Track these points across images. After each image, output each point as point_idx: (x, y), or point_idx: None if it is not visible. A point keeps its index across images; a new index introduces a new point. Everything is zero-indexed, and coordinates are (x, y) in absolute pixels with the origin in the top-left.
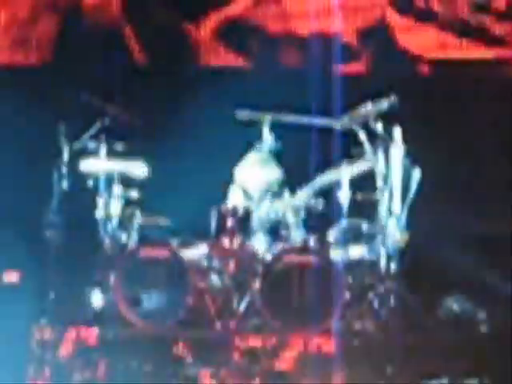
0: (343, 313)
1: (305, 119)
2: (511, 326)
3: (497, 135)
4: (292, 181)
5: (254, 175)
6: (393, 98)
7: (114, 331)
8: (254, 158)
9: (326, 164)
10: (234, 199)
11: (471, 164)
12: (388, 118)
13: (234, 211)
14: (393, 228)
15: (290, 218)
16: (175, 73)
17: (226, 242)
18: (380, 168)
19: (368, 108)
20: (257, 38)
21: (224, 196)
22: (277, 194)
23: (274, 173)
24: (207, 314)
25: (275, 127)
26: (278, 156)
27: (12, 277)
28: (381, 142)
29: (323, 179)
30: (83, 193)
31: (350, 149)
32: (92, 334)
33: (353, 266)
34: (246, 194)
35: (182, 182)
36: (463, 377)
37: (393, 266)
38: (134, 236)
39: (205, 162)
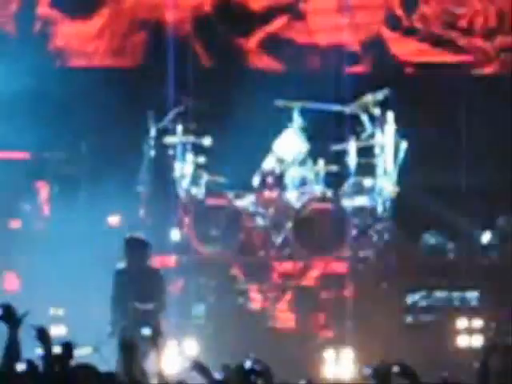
0: (351, 244)
1: (324, 106)
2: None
3: (461, 116)
4: (314, 150)
5: (289, 146)
6: (386, 91)
7: (187, 258)
8: (289, 133)
9: (339, 138)
10: (269, 164)
11: (444, 137)
12: (383, 105)
13: (273, 172)
14: (387, 183)
15: (313, 177)
16: (231, 72)
17: (267, 194)
18: (377, 140)
19: (368, 97)
20: (289, 48)
21: (264, 161)
22: (303, 160)
23: (302, 145)
24: (254, 246)
25: (303, 112)
26: (305, 132)
27: (114, 220)
28: (378, 122)
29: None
30: (165, 159)
31: (355, 127)
32: (172, 260)
33: (358, 211)
34: (279, 160)
35: (236, 151)
36: (436, 290)
37: (387, 210)
38: (202, 190)
39: (252, 137)
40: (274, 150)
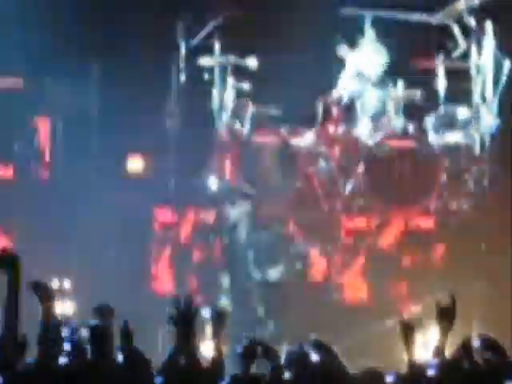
0: (440, 193)
1: (403, 15)
2: None
3: None
4: (392, 72)
5: (370, 59)
6: None
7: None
8: (368, 44)
9: (424, 56)
10: (347, 83)
11: None
12: (480, 13)
13: (339, 100)
14: (486, 114)
15: (391, 107)
16: None
17: (331, 129)
18: (473, 59)
19: (461, 3)
20: None
21: (329, 87)
22: (379, 83)
23: (382, 58)
24: (316, 196)
25: (376, 22)
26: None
27: (135, 166)
28: (473, 35)
29: None
30: (199, 85)
31: (444, 42)
32: (210, 215)
33: (449, 149)
34: (361, 76)
35: (290, 73)
36: None
37: (486, 149)
38: (247, 124)
39: (311, 55)
40: (349, 65)
